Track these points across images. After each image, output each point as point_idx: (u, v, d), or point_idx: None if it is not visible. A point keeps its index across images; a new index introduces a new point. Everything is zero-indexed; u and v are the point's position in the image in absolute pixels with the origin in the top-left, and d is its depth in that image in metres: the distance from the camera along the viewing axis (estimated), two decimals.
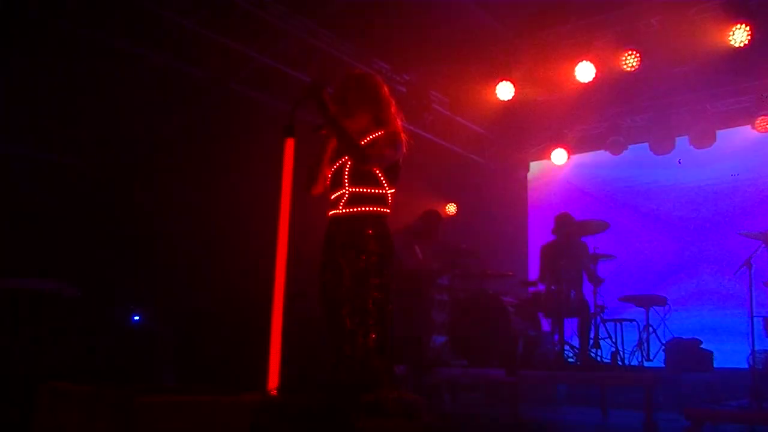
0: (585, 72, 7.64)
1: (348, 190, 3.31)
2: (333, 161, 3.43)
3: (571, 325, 6.86)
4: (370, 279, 3.18)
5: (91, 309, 5.67)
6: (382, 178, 3.33)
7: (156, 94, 6.50)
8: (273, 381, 2.77)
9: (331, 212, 3.38)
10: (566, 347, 6.31)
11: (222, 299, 7.00)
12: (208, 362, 6.76)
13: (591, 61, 7.59)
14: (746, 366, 5.68)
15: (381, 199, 3.32)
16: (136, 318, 6.34)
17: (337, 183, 3.36)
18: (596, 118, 8.78)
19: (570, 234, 6.98)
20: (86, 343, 5.30)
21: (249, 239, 7.40)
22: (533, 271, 8.81)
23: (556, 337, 6.40)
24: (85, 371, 4.71)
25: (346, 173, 3.33)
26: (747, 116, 8.37)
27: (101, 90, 6.17)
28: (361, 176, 3.30)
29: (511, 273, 7.34)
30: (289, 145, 3.02)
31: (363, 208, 3.28)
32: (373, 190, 3.32)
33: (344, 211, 3.30)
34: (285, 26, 7.01)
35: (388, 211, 3.36)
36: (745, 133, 8.55)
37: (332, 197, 3.39)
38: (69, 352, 5.20)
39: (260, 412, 2.28)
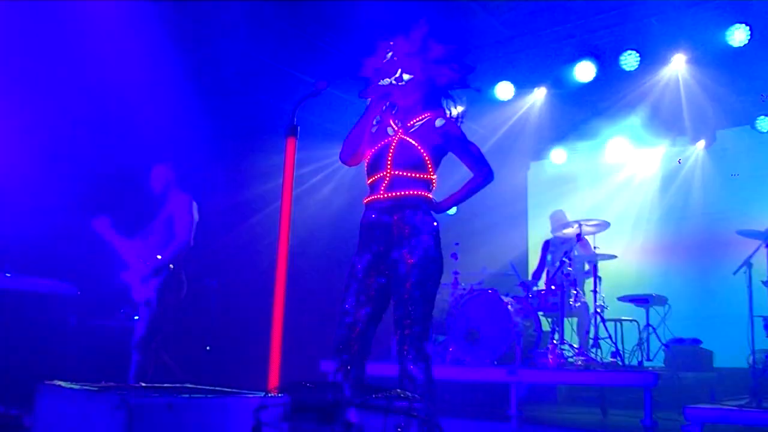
0: (585, 72, 7.65)
1: (390, 172, 3.04)
2: (375, 141, 3.14)
3: (571, 325, 6.87)
4: (419, 275, 2.90)
5: (91, 309, 5.66)
6: (428, 162, 3.07)
7: (155, 93, 6.50)
8: (273, 380, 2.77)
9: (368, 198, 3.09)
10: (566, 347, 6.31)
11: (222, 298, 7.00)
12: (208, 362, 6.76)
13: (591, 61, 7.60)
14: (746, 366, 5.68)
15: (426, 184, 3.07)
16: (136, 318, 6.33)
17: (377, 165, 3.09)
18: (597, 118, 8.77)
19: (569, 233, 6.99)
20: (86, 342, 5.30)
21: (250, 238, 7.41)
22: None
23: (556, 336, 6.40)
24: (86, 371, 4.70)
25: (390, 154, 3.05)
26: (747, 116, 8.37)
27: (102, 90, 6.17)
28: (407, 159, 3.03)
29: (511, 273, 7.34)
30: (291, 145, 3.01)
31: (407, 192, 3.01)
32: (417, 175, 3.05)
33: (386, 195, 3.03)
34: (285, 25, 7.01)
35: (432, 197, 3.11)
36: (745, 133, 8.56)
37: (370, 181, 3.12)
38: (69, 352, 5.20)
39: (261, 412, 2.28)
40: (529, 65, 7.96)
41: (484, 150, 3.32)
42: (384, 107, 3.20)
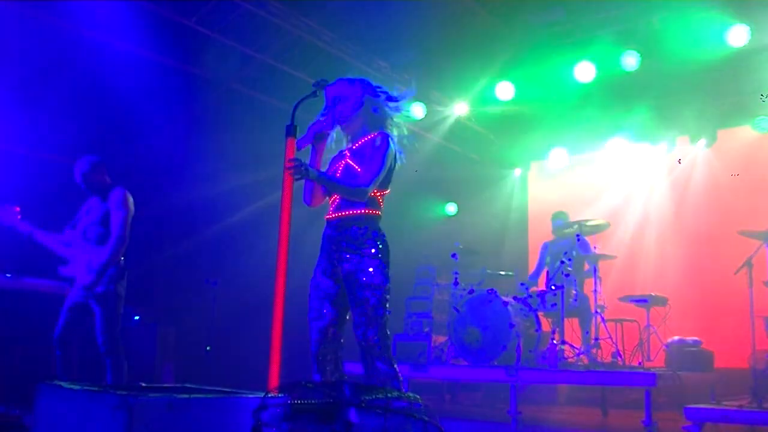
0: (585, 72, 7.66)
1: (338, 194, 3.35)
2: (331, 166, 3.46)
3: (571, 325, 6.87)
4: (367, 279, 3.17)
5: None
6: None
7: (155, 94, 6.50)
8: (273, 380, 2.77)
9: (326, 216, 3.41)
10: (566, 347, 6.31)
11: (222, 299, 7.00)
12: (208, 362, 6.76)
13: (591, 61, 7.60)
14: (746, 366, 5.68)
15: (371, 202, 3.32)
16: (136, 318, 6.34)
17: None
18: (596, 118, 8.78)
19: (569, 233, 7.00)
20: (87, 342, 5.29)
21: (250, 238, 7.41)
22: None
23: (557, 337, 6.40)
24: (85, 371, 4.70)
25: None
26: (747, 116, 8.37)
27: (101, 90, 6.17)
28: (347, 181, 3.31)
29: (511, 273, 7.34)
30: (290, 145, 3.02)
31: (353, 211, 3.29)
32: None
33: (335, 215, 3.33)
34: (285, 25, 7.01)
35: (379, 212, 3.36)
36: (745, 133, 8.56)
37: (329, 201, 3.43)
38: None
39: (261, 412, 2.28)
40: (529, 65, 7.97)
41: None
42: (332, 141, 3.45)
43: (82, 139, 5.91)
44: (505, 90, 8.26)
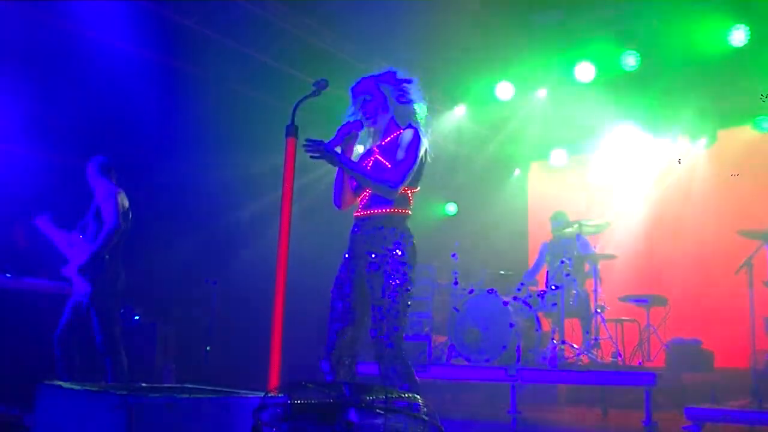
0: (585, 72, 7.66)
1: (368, 191, 3.31)
2: (360, 162, 3.42)
3: (571, 325, 6.87)
4: (389, 280, 3.13)
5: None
6: None
7: (155, 94, 6.50)
8: (273, 380, 2.77)
9: (355, 213, 3.38)
10: (566, 347, 6.30)
11: (222, 299, 7.00)
12: (208, 362, 6.76)
13: (591, 61, 7.60)
14: (746, 366, 5.67)
15: (400, 200, 3.27)
16: (136, 318, 6.34)
17: (360, 186, 3.36)
18: (596, 118, 8.78)
19: (569, 233, 6.99)
20: (86, 342, 5.29)
21: (250, 238, 7.41)
22: None
23: (557, 337, 6.40)
24: (85, 370, 4.70)
25: None
26: (747, 116, 8.37)
27: (101, 90, 6.17)
28: (375, 175, 3.26)
29: (511, 273, 7.34)
30: (291, 145, 3.02)
31: (382, 210, 3.25)
32: None
33: (363, 213, 3.29)
34: (285, 25, 7.01)
35: (409, 212, 3.32)
36: (745, 133, 8.56)
37: (358, 199, 3.39)
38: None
39: (261, 412, 2.28)
40: (529, 65, 7.96)
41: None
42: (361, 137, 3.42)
43: (82, 139, 5.91)
44: (505, 90, 8.25)
